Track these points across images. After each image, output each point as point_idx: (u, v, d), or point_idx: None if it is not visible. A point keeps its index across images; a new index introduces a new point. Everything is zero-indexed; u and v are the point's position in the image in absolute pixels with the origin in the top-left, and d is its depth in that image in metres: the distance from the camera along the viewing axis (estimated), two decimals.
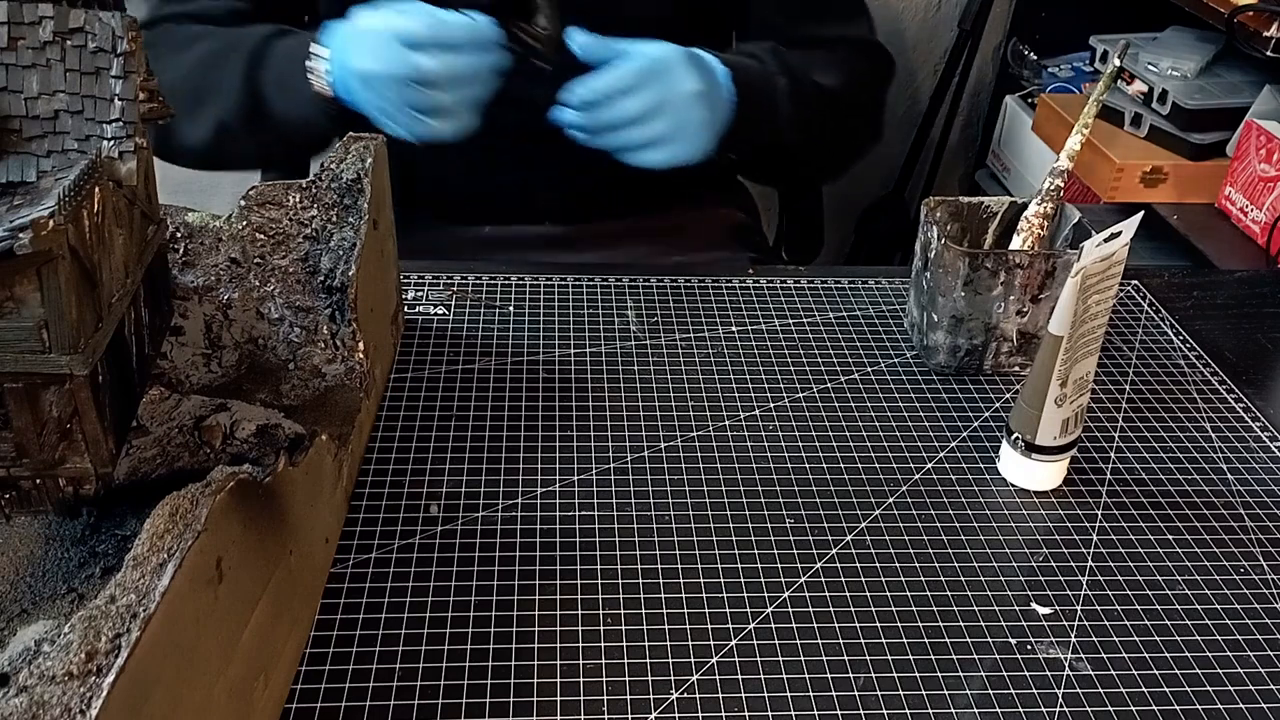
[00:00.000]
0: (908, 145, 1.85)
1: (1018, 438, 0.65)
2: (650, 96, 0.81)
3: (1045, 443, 0.64)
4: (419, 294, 0.81)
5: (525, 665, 0.52)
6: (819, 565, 0.59)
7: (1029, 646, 0.55)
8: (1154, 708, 0.52)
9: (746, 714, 0.50)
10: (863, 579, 0.58)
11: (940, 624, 0.56)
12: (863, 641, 0.54)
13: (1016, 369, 0.76)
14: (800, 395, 0.73)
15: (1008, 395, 0.74)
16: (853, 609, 0.56)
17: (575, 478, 0.64)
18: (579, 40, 0.81)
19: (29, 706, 0.33)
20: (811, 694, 0.51)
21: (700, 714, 0.50)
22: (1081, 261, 0.58)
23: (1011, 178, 1.71)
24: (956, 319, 0.73)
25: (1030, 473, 0.65)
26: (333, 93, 0.84)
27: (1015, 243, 0.75)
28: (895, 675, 0.53)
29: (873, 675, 0.53)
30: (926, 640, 0.55)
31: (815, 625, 0.55)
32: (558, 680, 0.51)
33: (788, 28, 1.03)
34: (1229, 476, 0.67)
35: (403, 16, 0.78)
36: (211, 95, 0.90)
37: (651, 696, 0.51)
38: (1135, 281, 0.89)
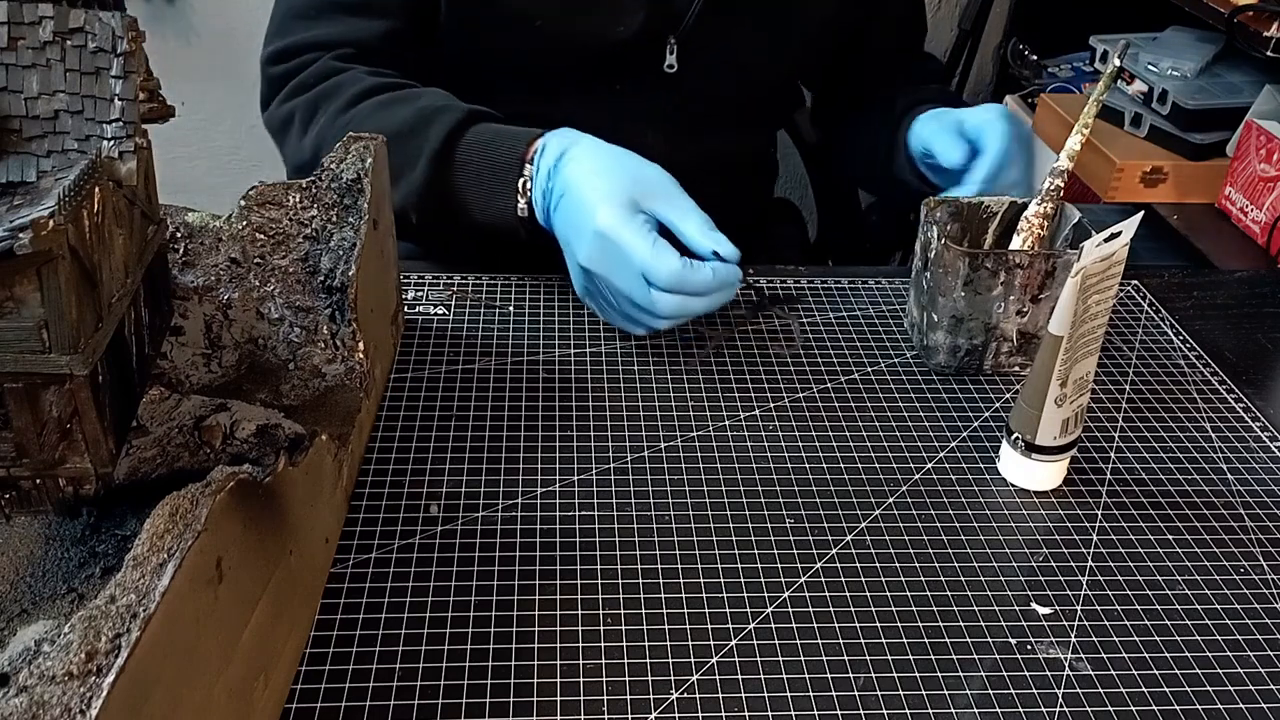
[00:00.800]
0: None
1: (1018, 438, 0.64)
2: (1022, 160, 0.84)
3: (1045, 443, 0.64)
4: (419, 294, 0.81)
5: (525, 665, 0.52)
6: (819, 565, 0.59)
7: (1029, 646, 0.55)
8: (1154, 708, 0.52)
9: (746, 714, 0.50)
10: (863, 579, 0.58)
11: (940, 624, 0.56)
12: (863, 641, 0.54)
13: (1016, 369, 0.76)
14: (800, 395, 0.73)
15: (1008, 395, 0.74)
16: (853, 609, 0.56)
17: (575, 478, 0.64)
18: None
19: (29, 706, 0.33)
20: (811, 694, 0.51)
21: (700, 714, 0.50)
22: (1081, 261, 0.58)
23: None
24: (956, 319, 0.73)
25: (1030, 473, 0.65)
26: (541, 223, 0.77)
27: (1015, 243, 0.75)
28: (895, 675, 0.53)
29: (873, 675, 0.53)
30: (926, 640, 0.55)
31: (815, 625, 0.55)
32: (558, 680, 0.51)
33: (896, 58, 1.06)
34: (1229, 476, 0.67)
35: (654, 255, 0.68)
36: (394, 179, 0.79)
37: (651, 696, 0.51)
38: (1135, 281, 0.89)
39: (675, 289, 0.69)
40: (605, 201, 0.70)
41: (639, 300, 0.70)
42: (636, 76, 0.92)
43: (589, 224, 0.70)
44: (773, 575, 0.58)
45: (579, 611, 0.55)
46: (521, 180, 0.77)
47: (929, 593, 0.57)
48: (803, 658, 0.53)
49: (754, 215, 1.13)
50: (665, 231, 0.71)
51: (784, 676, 0.52)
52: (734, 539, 0.60)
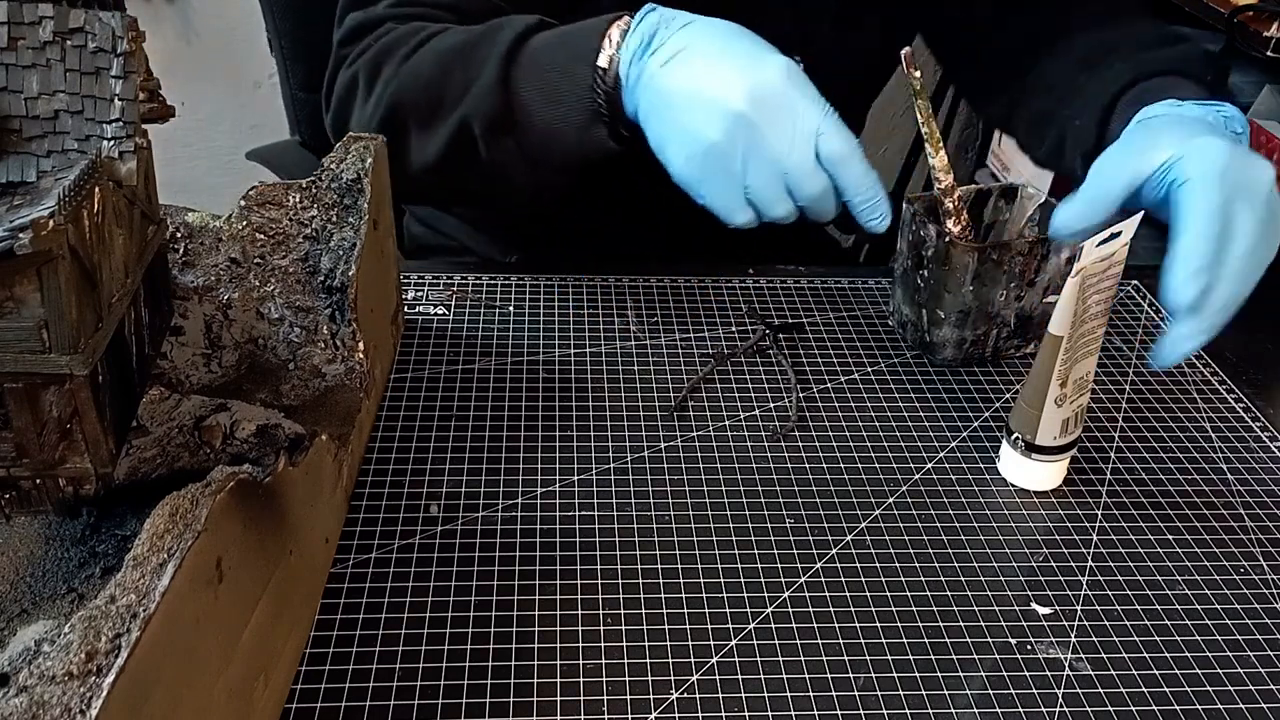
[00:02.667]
0: (908, 145, 1.85)
1: (1018, 438, 0.64)
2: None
3: (1045, 443, 0.64)
4: (419, 294, 0.81)
5: (525, 665, 0.52)
6: (819, 565, 0.59)
7: (1029, 646, 0.55)
8: (1154, 708, 0.52)
9: (746, 714, 0.50)
10: (863, 579, 0.58)
11: (940, 624, 0.56)
12: (863, 641, 0.54)
13: (1012, 352, 0.77)
14: (800, 395, 0.73)
15: (1008, 395, 0.74)
16: (853, 609, 0.56)
17: (575, 478, 0.64)
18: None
19: (29, 706, 0.33)
20: (811, 694, 0.51)
21: (700, 714, 0.50)
22: (1081, 261, 0.58)
23: (1011, 178, 1.71)
24: (964, 313, 0.73)
25: (1030, 473, 0.65)
26: (628, 88, 0.66)
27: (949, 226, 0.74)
28: (895, 675, 0.53)
29: (873, 675, 0.53)
30: (926, 640, 0.55)
31: (815, 625, 0.55)
32: (558, 680, 0.51)
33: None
34: (1229, 476, 0.67)
35: (832, 116, 0.61)
36: (452, 99, 0.73)
37: (651, 696, 0.51)
38: (1135, 281, 0.89)
39: (840, 165, 0.61)
40: (770, 52, 0.62)
41: (792, 166, 0.61)
42: None
43: (747, 73, 0.61)
44: (773, 575, 0.58)
45: (579, 611, 0.55)
46: (606, 40, 0.66)
47: (929, 593, 0.57)
48: (803, 658, 0.53)
49: None
50: None
51: (784, 676, 0.52)
52: (734, 539, 0.60)
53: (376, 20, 0.79)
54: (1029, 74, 0.87)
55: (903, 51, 0.69)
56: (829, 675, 0.52)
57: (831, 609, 0.56)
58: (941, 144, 0.72)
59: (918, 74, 0.69)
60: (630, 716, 0.50)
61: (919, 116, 0.71)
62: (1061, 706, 0.51)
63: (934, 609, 0.56)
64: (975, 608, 0.57)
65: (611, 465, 0.66)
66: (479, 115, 0.71)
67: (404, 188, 0.78)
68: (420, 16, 0.79)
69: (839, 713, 0.51)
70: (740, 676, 0.52)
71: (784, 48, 0.69)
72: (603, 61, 0.66)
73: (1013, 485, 0.66)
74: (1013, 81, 0.89)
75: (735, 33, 0.65)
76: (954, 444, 0.69)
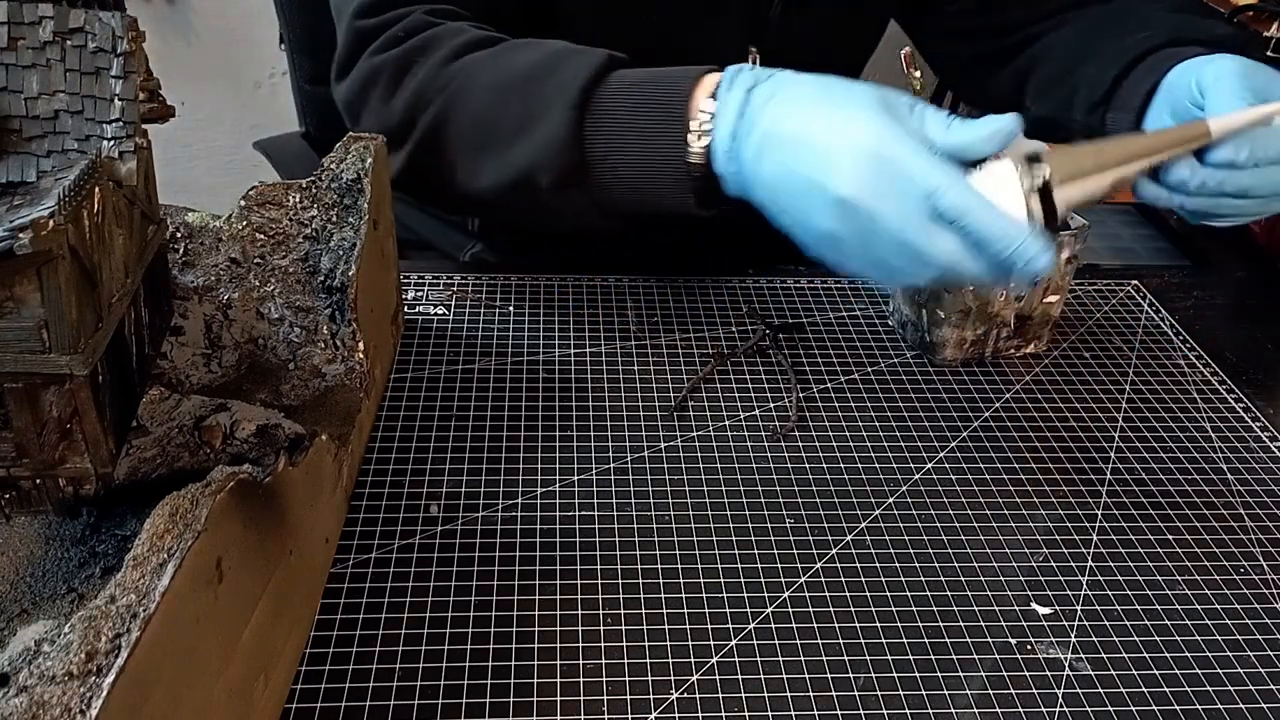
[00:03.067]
0: None
1: (1047, 171, 0.56)
2: None
3: (1060, 201, 0.56)
4: (419, 294, 0.81)
5: (525, 665, 0.52)
6: (819, 565, 0.59)
7: (1029, 646, 0.55)
8: (1154, 708, 0.52)
9: (746, 714, 0.50)
10: (863, 579, 0.58)
11: (940, 624, 0.56)
12: (863, 641, 0.54)
13: (1012, 352, 0.77)
14: (800, 395, 0.73)
15: (1008, 395, 0.74)
16: (853, 609, 0.56)
17: (575, 478, 0.64)
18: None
19: (29, 706, 0.33)
20: (811, 694, 0.51)
21: (700, 714, 0.50)
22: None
23: None
24: (964, 313, 0.73)
25: (1006, 200, 0.55)
26: (725, 171, 0.61)
27: None
28: (895, 675, 0.53)
29: (873, 675, 0.53)
30: (926, 640, 0.55)
31: (815, 625, 0.55)
32: (558, 680, 0.51)
33: None
34: (1229, 476, 0.67)
35: (940, 168, 0.54)
36: (512, 137, 0.67)
37: (651, 696, 0.51)
38: (1135, 281, 0.89)
39: (963, 220, 0.53)
40: (860, 106, 0.56)
41: (912, 238, 0.54)
42: None
43: (837, 144, 0.55)
44: (773, 575, 0.58)
45: (579, 611, 0.55)
46: (694, 120, 0.62)
47: (929, 593, 0.57)
48: (803, 658, 0.53)
49: None
50: None
51: (784, 676, 0.52)
52: (734, 539, 0.60)
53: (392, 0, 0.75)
54: (1026, 49, 0.88)
55: (901, 52, 0.69)
56: (829, 675, 0.52)
57: (831, 609, 0.56)
58: None
59: (917, 74, 0.69)
60: (630, 716, 0.50)
61: None
62: (1061, 706, 0.51)
63: (934, 609, 0.56)
64: (975, 608, 0.57)
65: (611, 465, 0.66)
66: (548, 168, 0.66)
67: (435, 202, 0.74)
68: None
69: (839, 713, 0.51)
70: (740, 676, 0.52)
71: (735, 40, 0.66)
72: (695, 147, 0.62)
73: (1002, 207, 0.55)
74: (1006, 62, 0.89)
75: (820, 90, 0.59)
76: (954, 444, 0.69)
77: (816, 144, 0.56)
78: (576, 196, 0.68)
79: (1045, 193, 0.56)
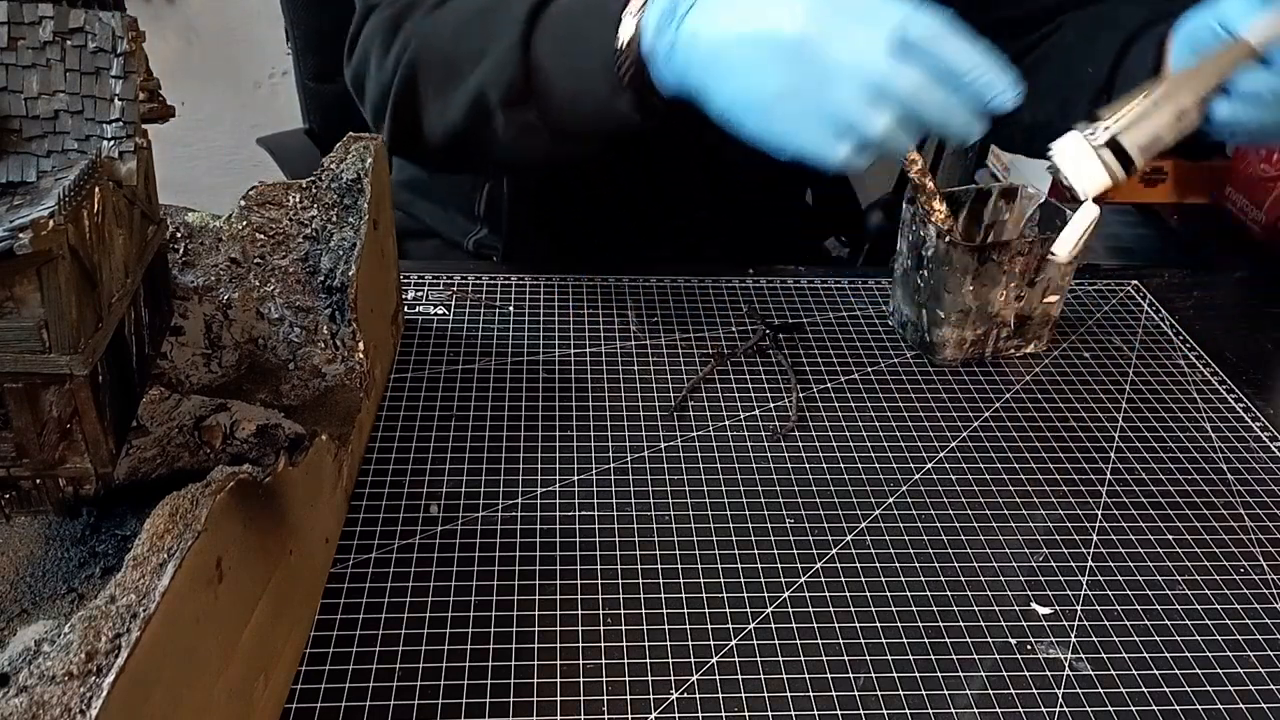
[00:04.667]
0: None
1: (1103, 126, 0.59)
2: None
3: (1131, 144, 0.59)
4: (419, 294, 0.81)
5: (525, 665, 0.52)
6: (819, 565, 0.59)
7: (1029, 646, 0.55)
8: (1154, 708, 0.52)
9: (746, 714, 0.50)
10: (863, 579, 0.58)
11: (940, 624, 0.56)
12: (863, 641, 0.54)
13: (1012, 352, 0.77)
14: (800, 395, 0.73)
15: (1008, 395, 0.74)
16: (853, 609, 0.56)
17: (575, 478, 0.64)
18: None
19: (29, 706, 0.33)
20: (811, 694, 0.51)
21: (700, 714, 0.50)
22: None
23: (1011, 178, 1.71)
24: (964, 313, 0.73)
25: (1091, 168, 0.59)
26: (652, 67, 0.60)
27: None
28: (895, 675, 0.53)
29: (873, 675, 0.53)
30: (926, 640, 0.55)
31: (815, 625, 0.55)
32: (558, 680, 0.51)
33: None
34: (1229, 476, 0.67)
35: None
36: (469, 66, 0.69)
37: (651, 696, 0.51)
38: (1135, 281, 0.89)
39: (934, 46, 0.52)
40: None
41: (872, 71, 0.52)
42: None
43: None
44: (773, 575, 0.58)
45: (579, 611, 0.55)
46: (630, 4, 0.61)
47: (929, 593, 0.57)
48: (803, 658, 0.53)
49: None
50: None
51: (784, 676, 0.52)
52: (734, 539, 0.60)
53: None
54: (1024, 59, 0.87)
55: None
56: (829, 675, 0.52)
57: (831, 609, 0.56)
58: None
59: None
60: (630, 716, 0.50)
61: None
62: (1061, 706, 0.51)
63: (934, 609, 0.56)
64: (975, 608, 0.57)
65: (611, 465, 0.66)
66: (496, 84, 0.67)
67: (420, 155, 0.74)
68: None
69: (839, 713, 0.51)
70: (740, 676, 0.52)
71: None
72: (624, 35, 0.61)
73: (1063, 176, 0.60)
74: None
75: None
76: (954, 444, 0.69)
77: None
78: (526, 116, 0.68)
79: (1115, 146, 0.59)
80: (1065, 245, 0.61)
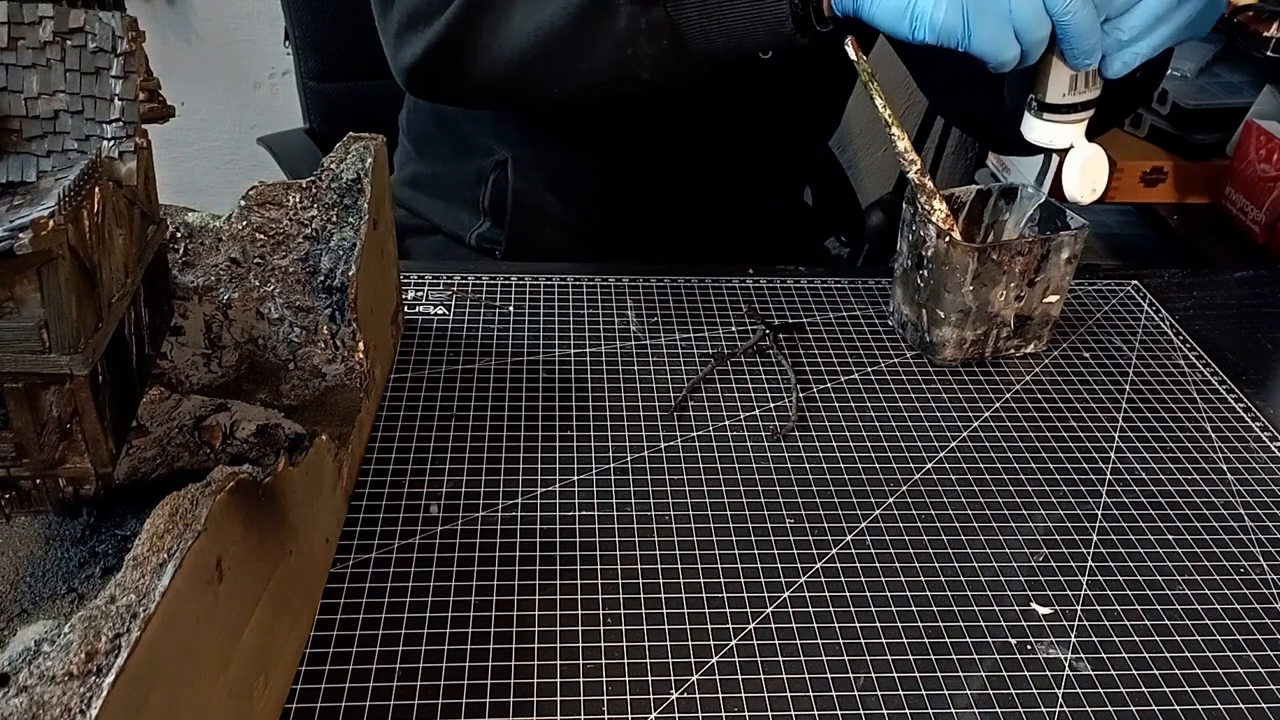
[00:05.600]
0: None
1: (1032, 99, 0.68)
2: None
3: (1055, 100, 0.67)
4: (419, 294, 0.81)
5: (525, 665, 0.52)
6: (819, 565, 0.59)
7: (1029, 646, 0.55)
8: (1154, 708, 0.52)
9: (746, 714, 0.50)
10: (863, 579, 0.58)
11: (940, 624, 0.56)
12: (863, 641, 0.54)
13: (1012, 352, 0.77)
14: (800, 395, 0.73)
15: (1008, 395, 0.74)
16: (853, 609, 0.56)
17: (575, 478, 0.64)
18: None
19: (29, 706, 0.33)
20: (811, 694, 0.51)
21: (700, 714, 0.50)
22: None
23: (1011, 178, 1.71)
24: (964, 313, 0.73)
25: (1046, 133, 0.69)
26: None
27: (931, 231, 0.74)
28: (895, 675, 0.53)
29: (873, 675, 0.53)
30: (926, 640, 0.55)
31: (815, 625, 0.55)
32: (558, 680, 0.51)
33: None
34: (1229, 476, 0.67)
35: None
36: None
37: (651, 696, 0.51)
38: (1135, 281, 0.89)
39: None
40: None
41: None
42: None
43: None
44: (773, 575, 0.58)
45: (579, 611, 0.55)
46: None
47: (929, 593, 0.57)
48: (803, 658, 0.53)
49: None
50: None
51: (784, 676, 0.52)
52: (734, 539, 0.60)
53: None
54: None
55: (847, 39, 0.69)
56: (829, 675, 0.52)
57: (831, 609, 0.56)
58: (903, 126, 0.73)
59: (864, 59, 0.69)
60: (630, 716, 0.50)
61: (876, 101, 0.71)
62: (1061, 706, 0.51)
63: (934, 609, 0.56)
64: (975, 608, 0.57)
65: (611, 465, 0.66)
66: (634, 28, 0.65)
67: (460, 78, 0.70)
68: None
69: (839, 713, 0.51)
70: (740, 676, 0.52)
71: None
72: None
73: (1038, 144, 0.69)
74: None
75: None
76: (954, 443, 0.69)
77: None
78: (653, 14, 0.65)
79: (1047, 107, 0.68)
80: (1071, 182, 0.68)
